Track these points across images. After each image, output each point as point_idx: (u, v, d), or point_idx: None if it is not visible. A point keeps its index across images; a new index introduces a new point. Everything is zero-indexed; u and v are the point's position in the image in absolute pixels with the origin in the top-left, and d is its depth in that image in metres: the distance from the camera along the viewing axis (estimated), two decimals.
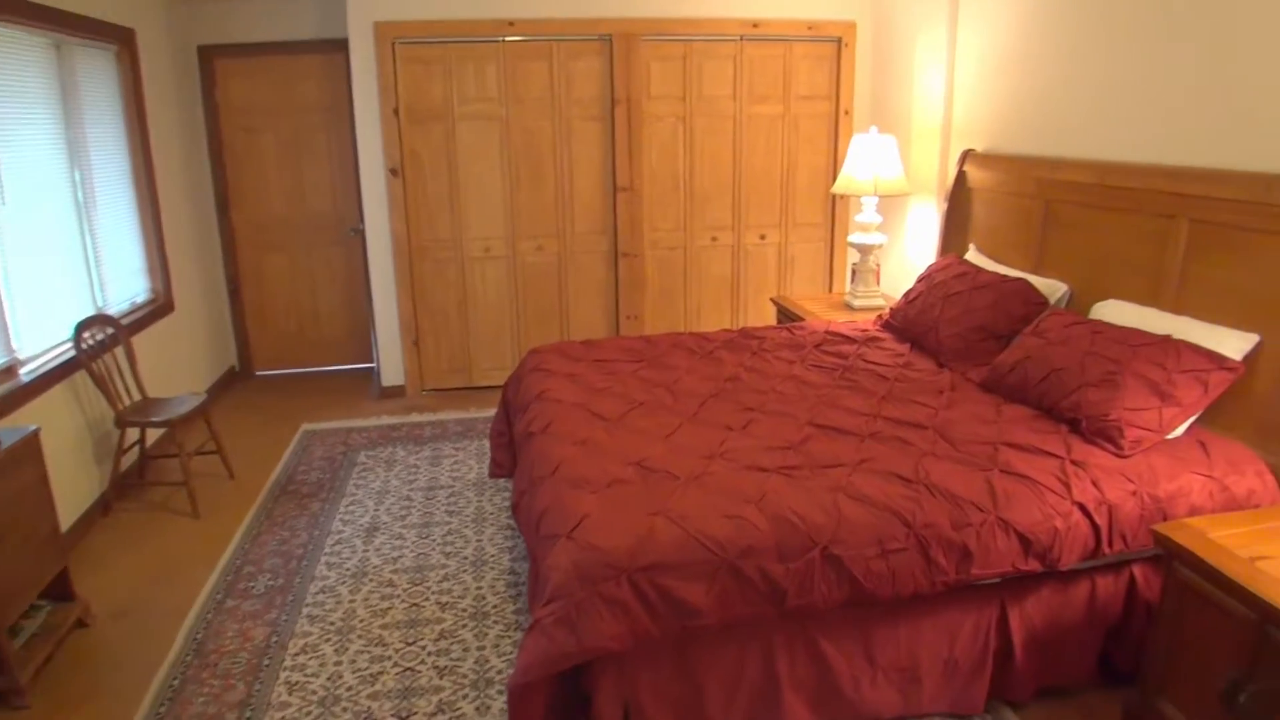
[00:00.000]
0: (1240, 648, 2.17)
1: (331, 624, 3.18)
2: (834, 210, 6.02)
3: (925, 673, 2.58)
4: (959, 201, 4.61)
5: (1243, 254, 2.93)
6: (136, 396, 4.35)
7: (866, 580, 2.37)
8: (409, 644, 3.05)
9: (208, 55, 5.78)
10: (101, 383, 4.00)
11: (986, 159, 4.39)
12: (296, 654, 3.02)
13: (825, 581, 2.35)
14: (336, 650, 3.03)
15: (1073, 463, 2.70)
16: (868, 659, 2.53)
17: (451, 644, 3.04)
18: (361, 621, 3.19)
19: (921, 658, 2.57)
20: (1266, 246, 2.83)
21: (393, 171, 5.37)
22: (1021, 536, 2.47)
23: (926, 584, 2.43)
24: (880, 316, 4.51)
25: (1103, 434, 2.81)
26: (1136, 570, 2.70)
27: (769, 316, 5.86)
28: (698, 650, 2.39)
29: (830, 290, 6.16)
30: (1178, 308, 3.16)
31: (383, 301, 5.60)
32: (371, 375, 6.13)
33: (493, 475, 3.99)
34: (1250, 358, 2.85)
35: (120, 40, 4.73)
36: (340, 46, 5.41)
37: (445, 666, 2.92)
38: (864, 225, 4.91)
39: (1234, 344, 2.86)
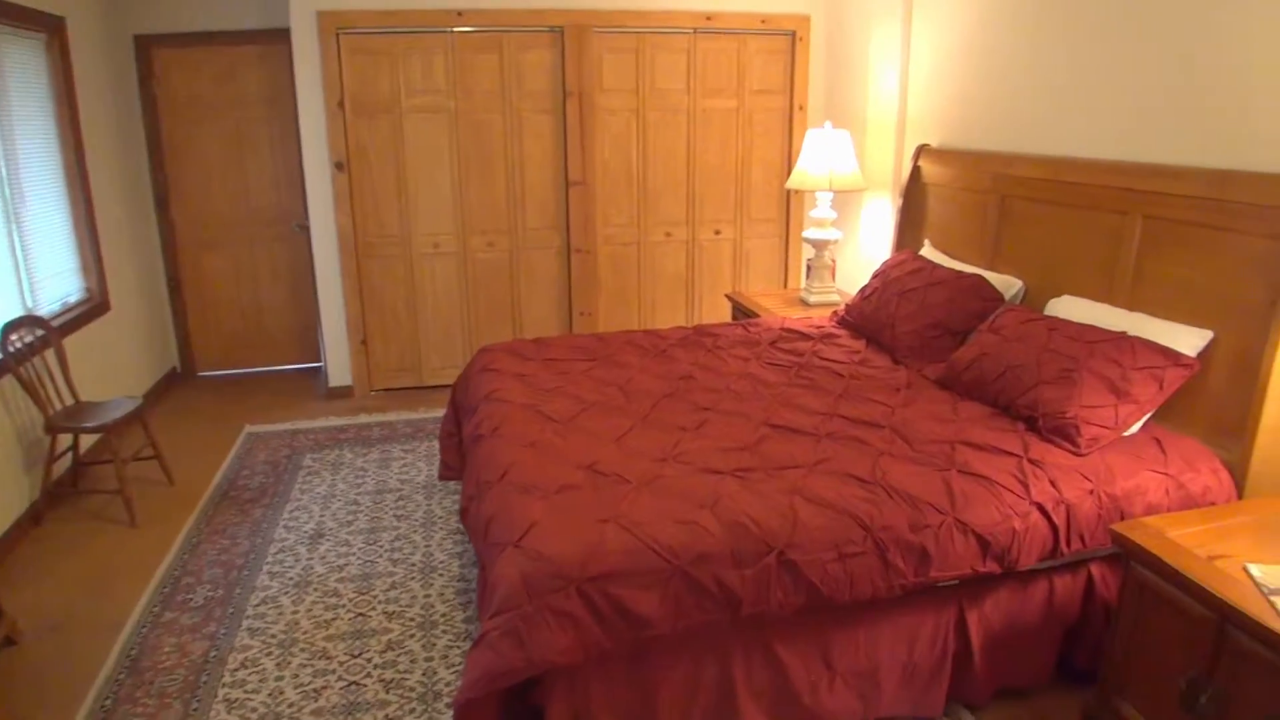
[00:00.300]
0: (1199, 648, 2.15)
1: (273, 637, 3.06)
2: (789, 205, 5.98)
3: (884, 677, 2.53)
4: (914, 197, 4.59)
5: (1196, 250, 2.92)
6: (69, 401, 4.17)
7: (824, 585, 2.32)
8: (354, 656, 2.94)
9: (145, 45, 5.57)
10: (30, 387, 3.83)
11: (941, 154, 4.37)
12: (236, 669, 2.89)
13: (781, 587, 2.29)
14: (278, 665, 2.91)
15: (1030, 461, 2.67)
16: (826, 664, 2.48)
17: (398, 655, 2.94)
18: (304, 633, 3.07)
19: (880, 662, 2.52)
20: (1220, 243, 2.83)
21: (338, 166, 5.22)
22: (980, 538, 2.43)
23: (885, 587, 2.38)
24: (836, 313, 4.47)
25: (1060, 432, 2.79)
26: (1094, 569, 2.68)
27: (724, 313, 5.81)
28: (652, 660, 2.31)
29: (785, 286, 6.12)
30: (1132, 304, 3.15)
31: (329, 299, 5.45)
32: (318, 375, 5.97)
33: (442, 478, 3.88)
34: (1204, 354, 2.85)
35: (49, 29, 4.53)
36: (283, 36, 5.24)
37: (392, 680, 2.82)
38: (819, 221, 4.87)
39: (1188, 340, 2.85)
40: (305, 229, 5.55)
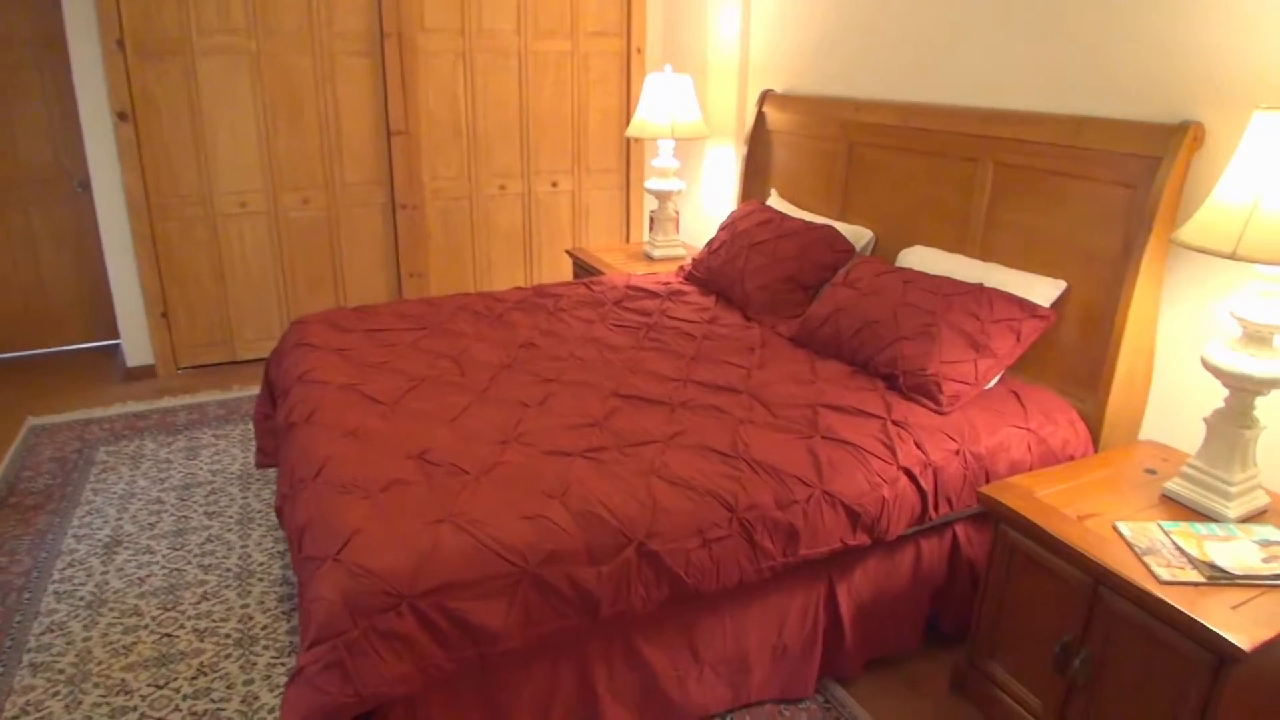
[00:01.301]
0: (1072, 611, 2.08)
1: (61, 672, 2.62)
2: (629, 155, 5.72)
3: (754, 662, 2.39)
4: (758, 145, 4.41)
5: (1049, 198, 2.85)
6: None
7: (688, 575, 2.12)
8: (159, 687, 2.54)
9: None
10: None
11: (786, 100, 4.20)
12: (16, 717, 2.45)
13: (642, 582, 2.08)
14: (67, 707, 2.48)
15: (894, 423, 2.54)
16: (693, 656, 2.30)
17: (213, 681, 2.57)
18: (99, 665, 2.64)
19: (750, 647, 2.37)
20: (1073, 190, 2.76)
21: (121, 116, 4.58)
22: (849, 509, 2.29)
23: (753, 571, 2.21)
24: (682, 267, 4.27)
25: (921, 390, 2.68)
26: (959, 530, 2.60)
27: (565, 270, 5.53)
28: (503, 674, 2.06)
29: (628, 240, 5.88)
30: (984, 254, 3.08)
31: (121, 268, 4.82)
32: (116, 354, 5.33)
33: (259, 465, 3.47)
34: (1058, 304, 2.79)
35: None
36: None
37: (205, 712, 2.45)
38: (661, 171, 4.65)
39: (1042, 291, 2.79)
40: (89, 188, 4.88)
